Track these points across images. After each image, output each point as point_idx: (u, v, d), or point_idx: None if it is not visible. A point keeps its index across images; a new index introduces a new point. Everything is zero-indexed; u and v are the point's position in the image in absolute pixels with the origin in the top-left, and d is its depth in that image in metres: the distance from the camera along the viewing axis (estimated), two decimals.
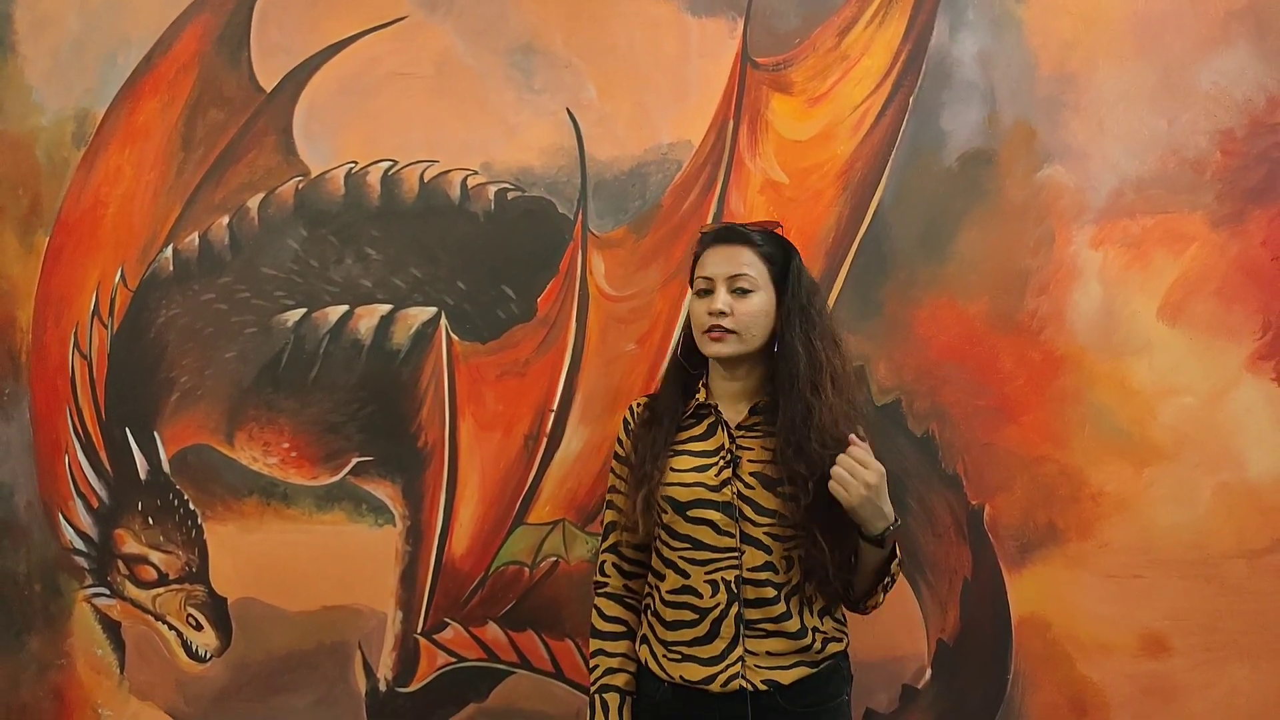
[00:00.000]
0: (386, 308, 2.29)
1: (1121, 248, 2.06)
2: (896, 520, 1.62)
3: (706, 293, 1.68)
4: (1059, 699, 2.06)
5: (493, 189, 2.27)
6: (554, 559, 2.22)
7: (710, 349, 1.66)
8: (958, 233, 2.11)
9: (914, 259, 2.12)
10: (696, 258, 1.74)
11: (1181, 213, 2.04)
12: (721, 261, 1.68)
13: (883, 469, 1.59)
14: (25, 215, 2.48)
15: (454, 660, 2.26)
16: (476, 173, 2.28)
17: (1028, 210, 2.09)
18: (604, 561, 1.81)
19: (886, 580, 1.67)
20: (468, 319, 2.27)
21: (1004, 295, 2.09)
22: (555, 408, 2.23)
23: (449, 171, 2.29)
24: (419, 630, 2.27)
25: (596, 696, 1.73)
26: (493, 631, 2.24)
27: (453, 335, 2.27)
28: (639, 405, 1.81)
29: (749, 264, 1.67)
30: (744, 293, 1.66)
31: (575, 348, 2.23)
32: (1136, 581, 2.03)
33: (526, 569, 2.23)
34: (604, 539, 1.82)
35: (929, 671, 2.11)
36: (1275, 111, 2.03)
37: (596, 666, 1.76)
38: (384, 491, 2.29)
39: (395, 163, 2.31)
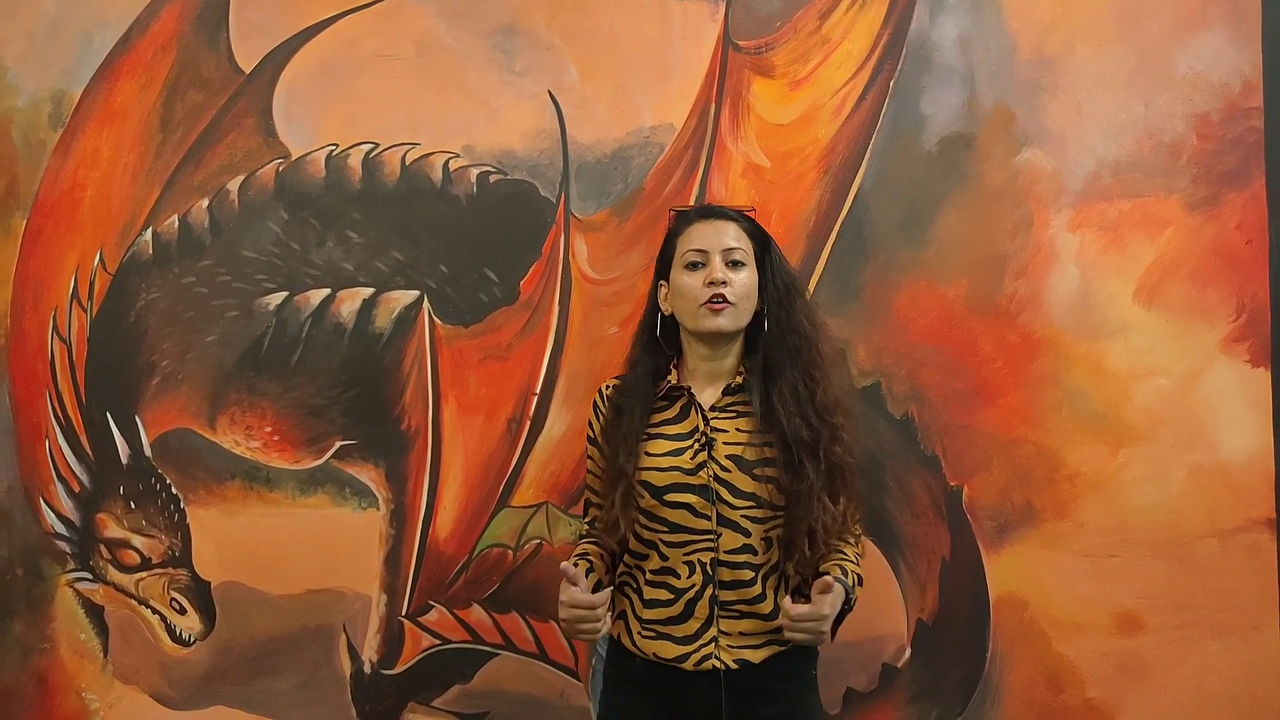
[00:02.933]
0: (368, 291, 2.29)
1: (1098, 231, 2.08)
2: (847, 598, 1.64)
3: (699, 265, 1.68)
4: (1035, 676, 2.09)
5: (475, 172, 2.27)
6: (537, 541, 2.23)
7: (711, 322, 1.66)
8: (937, 216, 2.12)
9: (894, 242, 2.13)
10: (675, 235, 1.74)
11: (1158, 196, 2.07)
12: (713, 235, 1.69)
13: (821, 611, 1.57)
14: (2, 198, 2.46)
15: (438, 642, 2.27)
16: (458, 155, 2.28)
17: (1006, 194, 2.10)
18: (585, 546, 1.84)
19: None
20: (450, 302, 2.27)
21: (982, 278, 2.11)
22: (538, 391, 2.23)
23: (431, 154, 2.29)
24: (403, 613, 2.28)
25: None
26: (477, 614, 2.25)
27: (435, 319, 2.27)
28: (608, 388, 1.80)
29: (738, 239, 1.70)
30: (738, 265, 1.68)
31: (558, 331, 2.23)
32: (1111, 561, 2.06)
33: (510, 552, 2.24)
34: (585, 515, 1.85)
35: (908, 650, 2.13)
36: (1251, 96, 2.05)
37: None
38: (367, 475, 2.29)
39: (376, 145, 2.31)
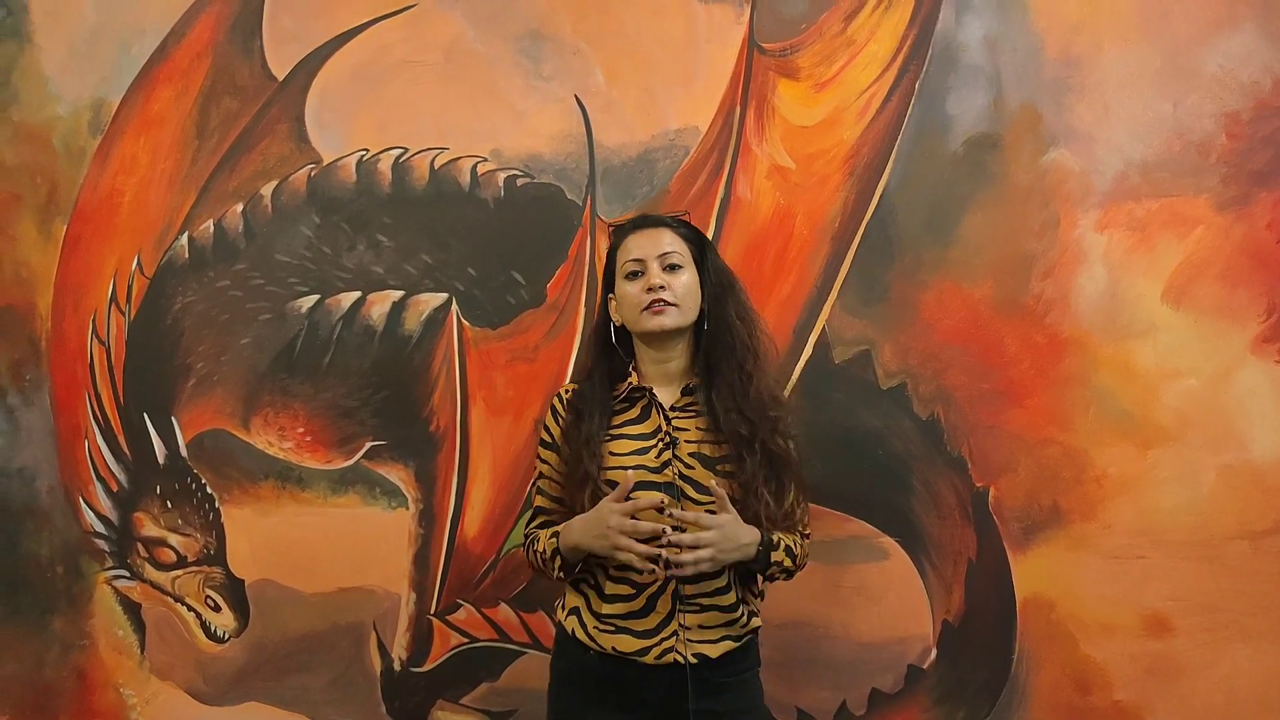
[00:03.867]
0: (398, 294, 2.32)
1: (1126, 231, 2.07)
2: (763, 541, 1.65)
3: (638, 274, 1.72)
4: (1063, 678, 2.08)
5: (502, 176, 2.29)
6: None
7: (653, 323, 1.70)
8: (963, 217, 2.12)
9: (919, 243, 2.13)
10: (614, 250, 1.79)
11: (1186, 196, 2.05)
12: (647, 243, 1.74)
13: (707, 532, 1.58)
14: (43, 203, 2.52)
15: (467, 640, 2.30)
16: (486, 160, 2.30)
17: (1033, 194, 2.10)
18: (531, 529, 1.82)
19: (777, 574, 1.70)
20: (478, 305, 2.29)
21: (1009, 279, 2.10)
22: None
23: (459, 158, 2.31)
24: (432, 611, 2.31)
25: (547, 542, 1.73)
26: (504, 612, 2.28)
27: (464, 321, 2.30)
28: (567, 392, 1.82)
29: (672, 243, 1.74)
30: (675, 268, 1.72)
31: (584, 333, 2.25)
32: (1139, 562, 2.05)
33: None
34: (532, 520, 1.83)
35: (934, 652, 2.13)
36: None
37: (537, 539, 1.76)
38: (397, 475, 2.32)
39: (406, 150, 2.34)
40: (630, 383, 1.76)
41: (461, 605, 2.29)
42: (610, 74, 2.26)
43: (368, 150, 2.36)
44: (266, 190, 2.39)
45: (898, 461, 2.12)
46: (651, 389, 1.74)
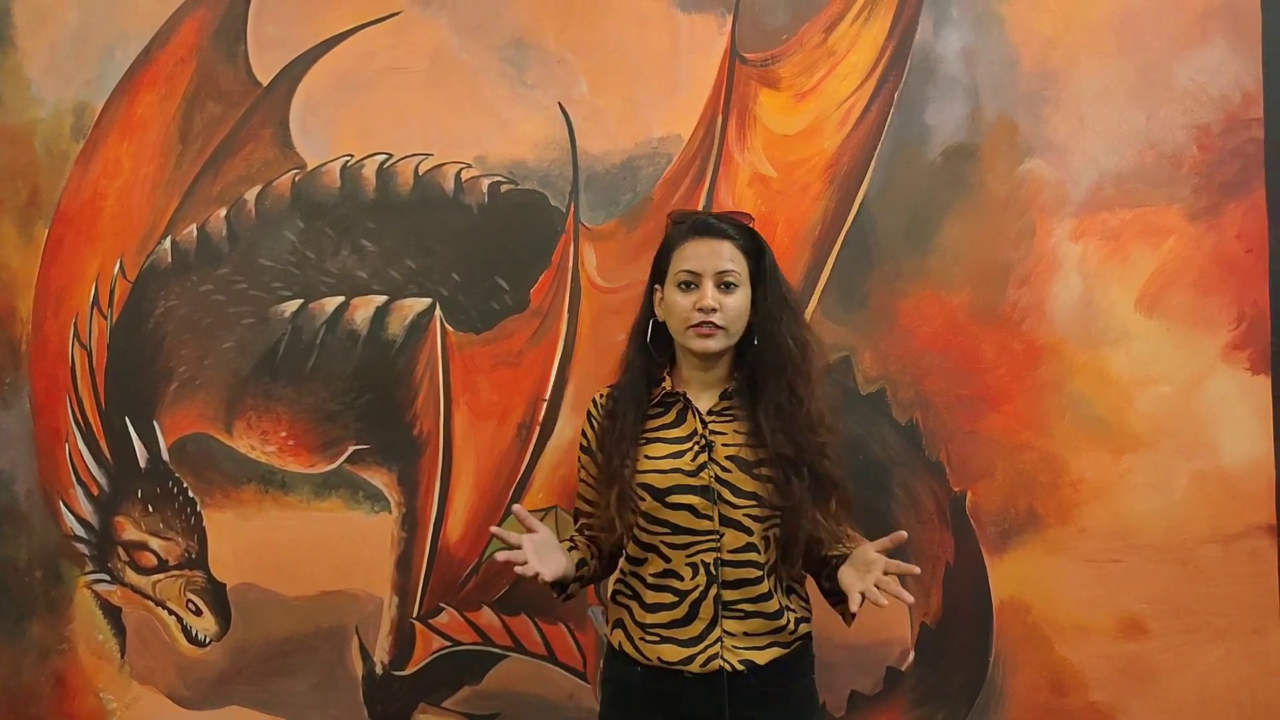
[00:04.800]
0: (382, 299, 2.33)
1: (1100, 240, 2.11)
2: None
3: (691, 286, 1.67)
4: (1039, 680, 2.12)
5: (486, 182, 2.31)
6: None
7: (698, 344, 1.67)
8: (941, 225, 2.15)
9: (898, 251, 2.16)
10: (671, 247, 1.73)
11: (1159, 206, 2.09)
12: (707, 256, 1.68)
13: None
14: (24, 207, 2.51)
15: (449, 644, 2.30)
16: (470, 166, 2.32)
17: (1009, 204, 2.13)
18: (572, 536, 1.84)
19: None
20: (462, 310, 2.30)
21: (986, 287, 2.13)
22: (548, 397, 2.27)
23: (443, 165, 2.33)
24: (415, 615, 2.31)
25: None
26: (487, 616, 2.29)
27: (447, 326, 2.31)
28: (602, 396, 1.81)
29: (732, 259, 1.68)
30: (730, 287, 1.67)
31: (567, 338, 2.27)
32: (1114, 566, 2.09)
33: None
34: (575, 521, 1.87)
35: (912, 654, 2.16)
36: (1251, 107, 2.08)
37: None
38: (380, 479, 2.33)
39: (390, 156, 2.35)
40: (664, 388, 1.73)
41: (444, 609, 2.30)
42: (594, 82, 2.28)
43: (352, 156, 2.36)
44: (250, 195, 2.39)
45: (877, 466, 2.15)
46: (686, 394, 1.72)
